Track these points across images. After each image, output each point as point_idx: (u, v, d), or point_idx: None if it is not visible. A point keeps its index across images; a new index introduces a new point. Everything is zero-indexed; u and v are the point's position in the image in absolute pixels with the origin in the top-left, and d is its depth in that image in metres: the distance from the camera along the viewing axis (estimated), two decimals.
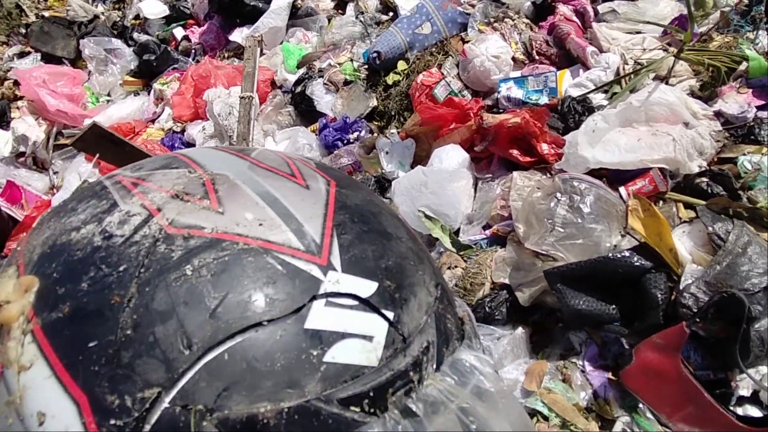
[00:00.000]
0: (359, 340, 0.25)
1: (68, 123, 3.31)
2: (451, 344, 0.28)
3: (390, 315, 0.26)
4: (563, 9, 1.91)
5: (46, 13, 4.25)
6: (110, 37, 3.68)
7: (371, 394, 0.23)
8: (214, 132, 2.67)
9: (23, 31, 4.18)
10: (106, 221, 0.26)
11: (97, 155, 2.13)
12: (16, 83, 3.66)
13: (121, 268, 0.24)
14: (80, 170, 3.16)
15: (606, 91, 1.61)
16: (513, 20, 2.05)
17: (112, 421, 0.22)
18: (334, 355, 0.24)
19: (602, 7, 1.84)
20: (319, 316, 0.24)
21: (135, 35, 3.73)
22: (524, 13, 2.07)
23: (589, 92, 1.60)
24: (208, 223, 0.26)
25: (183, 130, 2.92)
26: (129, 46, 3.63)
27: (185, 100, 2.94)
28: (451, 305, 0.31)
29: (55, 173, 3.34)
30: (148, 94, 3.32)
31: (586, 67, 1.73)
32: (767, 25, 1.56)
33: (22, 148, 3.28)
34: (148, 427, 0.22)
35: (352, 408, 0.23)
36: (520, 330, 1.39)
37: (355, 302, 0.26)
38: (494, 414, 0.26)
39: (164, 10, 3.74)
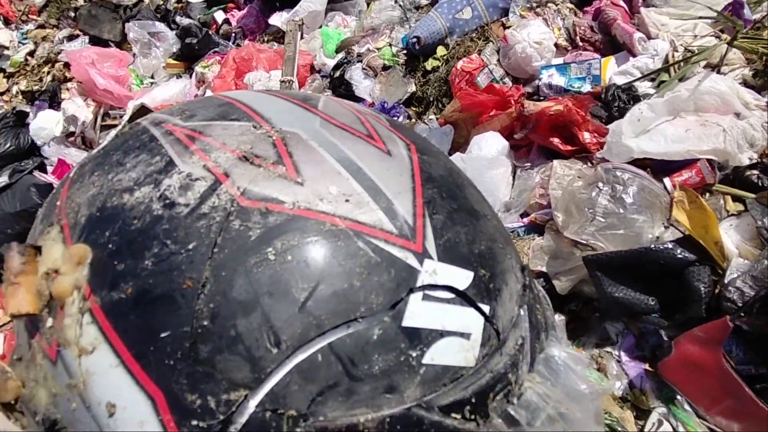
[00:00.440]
0: (457, 338, 0.22)
1: (114, 104, 3.42)
2: (541, 337, 0.27)
3: (486, 309, 0.23)
4: None
5: None
6: (154, 21, 3.77)
7: (473, 400, 0.20)
8: None
9: (72, 14, 4.33)
10: (165, 185, 0.23)
11: None
12: (66, 65, 3.80)
13: (190, 246, 0.21)
14: None
15: (653, 80, 1.57)
16: (556, 5, 2.01)
17: (194, 422, 0.19)
18: (433, 357, 0.21)
19: None
20: (417, 312, 0.22)
21: (177, 19, 3.81)
22: None
23: (635, 80, 1.56)
24: (287, 196, 0.22)
25: None
26: (171, 29, 3.71)
27: (226, 83, 3.00)
28: (535, 291, 0.29)
29: None
30: (190, 76, 3.40)
31: (633, 54, 1.68)
32: None
33: (71, 128, 3.42)
34: (234, 430, 0.19)
35: (453, 415, 0.20)
36: (557, 318, 1.39)
37: (452, 295, 0.22)
38: (586, 417, 0.24)
39: None
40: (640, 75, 1.57)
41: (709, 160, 1.28)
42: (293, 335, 0.20)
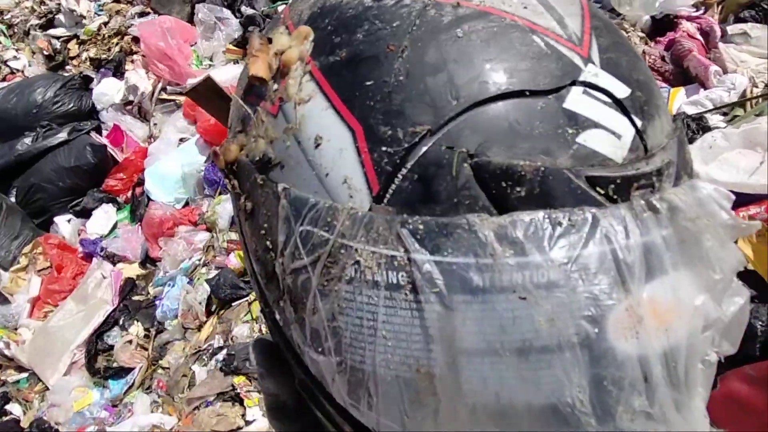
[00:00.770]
0: (609, 133, 0.25)
1: (173, 79, 3.53)
2: (689, 172, 0.28)
3: (638, 122, 0.26)
4: (687, 25, 1.83)
5: None
6: (221, 7, 3.90)
7: (618, 181, 0.24)
8: None
9: None
10: None
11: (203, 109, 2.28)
12: (134, 39, 3.96)
13: (394, 24, 0.27)
14: (177, 125, 3.38)
15: (725, 114, 1.52)
16: (627, 32, 1.99)
17: (383, 148, 0.25)
18: (585, 139, 0.25)
19: (731, 28, 1.74)
20: (577, 101, 0.25)
21: (243, 8, 3.93)
22: (640, 26, 2.00)
23: (707, 111, 1.52)
24: None
25: None
26: (236, 17, 3.83)
27: None
28: (684, 137, 0.31)
29: (154, 125, 3.59)
30: None
31: (705, 87, 1.64)
32: None
33: (131, 97, 3.55)
34: (414, 158, 0.24)
35: (598, 189, 0.24)
36: None
37: (609, 100, 0.26)
38: (722, 249, 0.25)
39: None
40: (712, 107, 1.53)
41: None
42: (470, 93, 0.25)
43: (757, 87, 1.50)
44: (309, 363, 0.28)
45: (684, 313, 0.25)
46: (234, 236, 2.63)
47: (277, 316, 0.29)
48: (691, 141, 1.43)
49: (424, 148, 0.24)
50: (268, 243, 0.28)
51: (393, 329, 0.24)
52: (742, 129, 1.29)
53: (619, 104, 0.26)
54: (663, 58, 1.83)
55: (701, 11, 1.89)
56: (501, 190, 0.24)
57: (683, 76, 1.77)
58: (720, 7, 1.87)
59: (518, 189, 0.24)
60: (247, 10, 3.89)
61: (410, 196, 0.24)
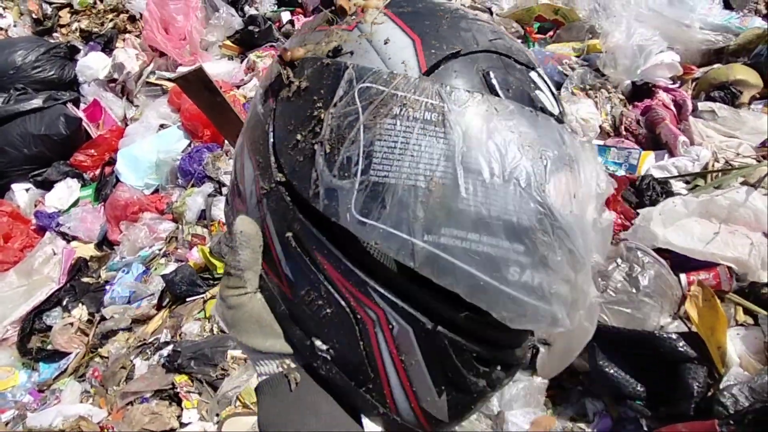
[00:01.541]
0: (548, 96, 0.40)
1: (167, 56, 3.48)
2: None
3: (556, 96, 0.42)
4: (663, 96, 1.94)
5: None
6: (225, 3, 3.90)
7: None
8: None
9: None
10: None
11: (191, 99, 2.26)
12: (131, 18, 3.91)
13: (441, 6, 0.39)
14: (160, 110, 3.32)
15: (688, 182, 1.61)
16: (609, 93, 2.08)
17: (432, 51, 0.35)
18: (539, 95, 0.39)
19: (702, 105, 1.85)
20: (537, 78, 0.40)
21: (246, 8, 3.95)
22: (622, 89, 2.10)
23: (672, 177, 1.60)
24: None
25: None
26: (239, 15, 3.84)
27: None
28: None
29: (136, 106, 3.52)
30: (241, 62, 3.49)
31: (672, 155, 1.73)
32: None
33: (116, 75, 3.48)
34: (450, 59, 0.36)
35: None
36: (538, 380, 1.37)
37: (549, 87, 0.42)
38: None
39: None
40: (677, 174, 1.61)
41: (729, 268, 1.29)
42: (483, 45, 0.38)
43: (718, 161, 1.59)
44: (322, 198, 0.35)
45: (589, 192, 0.39)
46: (199, 231, 2.58)
47: (296, 168, 0.37)
48: (655, 203, 1.50)
49: (456, 58, 0.36)
50: (318, 104, 0.36)
51: (420, 149, 0.33)
52: (700, 199, 1.37)
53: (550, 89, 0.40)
54: (638, 122, 1.93)
55: (677, 84, 2.00)
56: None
57: (654, 141, 1.86)
58: (694, 83, 1.99)
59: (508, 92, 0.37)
60: (250, 10, 3.91)
61: (445, 78, 0.35)
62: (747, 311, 1.25)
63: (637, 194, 1.58)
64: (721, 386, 1.11)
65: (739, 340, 1.17)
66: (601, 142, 1.87)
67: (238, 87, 3.32)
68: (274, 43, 3.50)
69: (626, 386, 1.23)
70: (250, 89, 3.23)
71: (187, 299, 2.17)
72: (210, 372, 1.70)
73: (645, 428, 1.20)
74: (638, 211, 1.46)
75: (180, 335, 1.97)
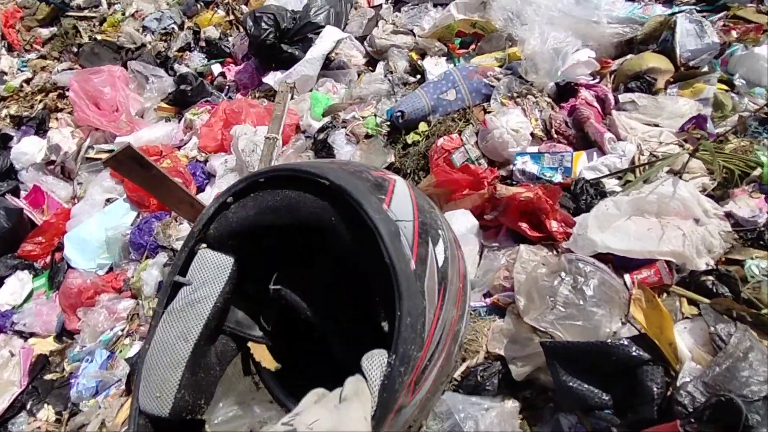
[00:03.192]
0: None
1: (102, 128, 3.43)
2: None
3: None
4: (585, 93, 1.98)
5: (99, 37, 4.51)
6: (153, 65, 3.87)
7: None
8: (235, 166, 2.74)
9: (75, 50, 4.44)
10: None
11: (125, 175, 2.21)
12: (60, 96, 3.84)
13: None
14: (103, 184, 3.25)
15: (620, 178, 1.64)
16: (535, 98, 2.12)
17: None
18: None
19: (623, 97, 1.89)
20: None
21: (176, 66, 3.92)
22: (547, 92, 2.14)
23: (603, 177, 1.63)
24: None
25: (206, 160, 3.01)
26: (169, 75, 3.81)
27: (213, 131, 3.05)
28: None
29: (79, 184, 3.44)
30: (179, 121, 3.45)
31: (602, 152, 1.76)
32: None
33: (53, 157, 3.40)
34: None
35: None
36: (509, 403, 1.36)
37: None
38: None
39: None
40: (608, 172, 1.64)
41: (667, 262, 1.31)
42: None
43: (643, 154, 1.63)
44: None
45: None
46: None
47: None
48: (591, 206, 1.52)
49: None
50: None
51: None
52: (631, 197, 1.39)
53: None
54: (567, 123, 1.96)
55: (598, 80, 2.05)
56: None
57: (585, 140, 1.89)
58: (613, 76, 2.04)
59: None
60: (180, 68, 3.88)
61: None
62: (691, 302, 1.27)
63: (573, 199, 1.60)
64: (677, 384, 1.11)
65: (687, 334, 1.18)
66: (535, 149, 1.89)
67: (178, 148, 3.28)
68: (208, 98, 3.48)
69: (591, 398, 1.22)
70: (191, 148, 3.19)
71: None
72: None
73: None
74: (575, 219, 1.47)
75: None
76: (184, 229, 2.60)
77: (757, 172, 1.51)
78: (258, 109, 2.98)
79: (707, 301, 1.22)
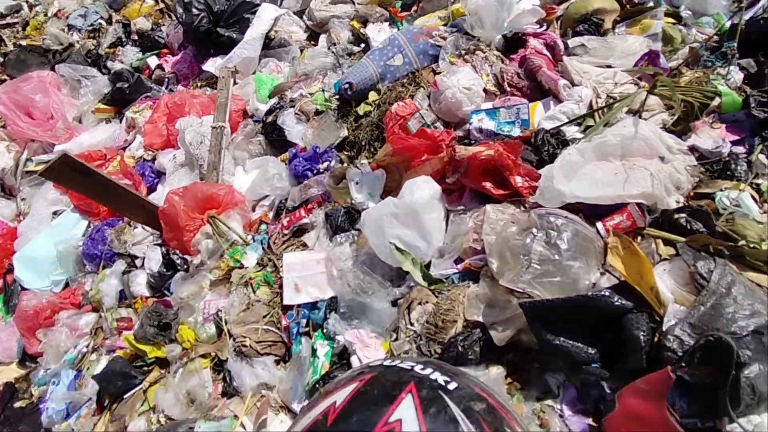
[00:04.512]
0: None
1: (39, 139, 3.21)
2: None
3: None
4: (534, 42, 1.90)
5: (23, 42, 4.21)
6: (84, 65, 3.62)
7: None
8: (184, 161, 2.59)
9: (0, 59, 4.13)
10: None
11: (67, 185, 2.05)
12: None
13: None
14: (48, 197, 3.05)
15: (579, 124, 1.58)
16: (484, 53, 2.03)
17: None
18: None
19: (572, 42, 1.83)
20: None
21: (109, 63, 3.68)
22: (495, 46, 2.06)
23: (562, 125, 1.57)
24: None
25: (154, 159, 2.84)
26: (103, 74, 3.57)
27: (157, 128, 2.87)
28: None
29: (22, 200, 3.23)
30: (120, 121, 3.25)
31: (559, 100, 1.70)
32: (739, 61, 1.55)
33: None
34: None
35: None
36: (494, 370, 1.31)
37: None
38: None
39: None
40: (566, 120, 1.58)
41: (638, 204, 1.26)
42: None
43: (600, 97, 1.57)
44: None
45: None
46: (124, 313, 2.38)
47: None
48: (554, 157, 1.46)
49: None
50: None
51: None
52: (594, 142, 1.33)
53: None
54: (519, 75, 1.89)
55: (544, 27, 1.98)
56: None
57: (539, 89, 1.83)
58: (559, 22, 1.97)
59: None
60: (114, 65, 3.64)
61: None
62: (667, 243, 1.23)
63: (535, 152, 1.53)
64: (664, 329, 1.07)
65: (667, 276, 1.15)
66: (490, 105, 1.82)
67: (123, 149, 3.09)
68: (148, 94, 3.27)
69: (578, 353, 1.18)
70: (137, 148, 3.01)
71: (126, 395, 1.99)
72: None
73: (608, 390, 1.16)
74: (540, 171, 1.41)
75: None
76: (139, 233, 2.46)
77: (716, 102, 1.47)
78: (201, 98, 2.82)
79: (683, 239, 1.18)
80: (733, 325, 1.00)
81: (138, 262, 2.41)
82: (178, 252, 2.16)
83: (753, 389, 0.99)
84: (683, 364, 1.02)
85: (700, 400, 1.05)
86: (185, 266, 2.13)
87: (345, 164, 1.94)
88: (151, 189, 2.72)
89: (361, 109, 2.01)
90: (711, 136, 1.36)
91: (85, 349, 2.38)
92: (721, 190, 1.25)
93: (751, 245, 1.09)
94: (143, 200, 2.26)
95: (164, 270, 2.16)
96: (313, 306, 1.63)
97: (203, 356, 1.81)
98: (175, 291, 2.05)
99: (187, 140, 2.52)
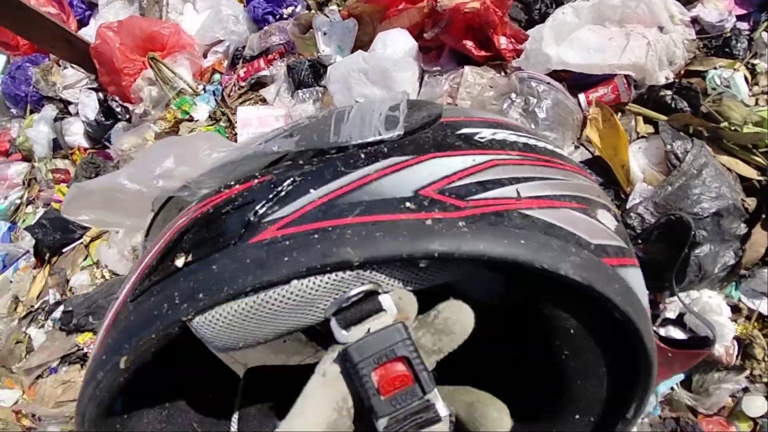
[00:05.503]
0: None
1: None
2: None
3: None
4: None
5: None
6: None
7: None
8: None
9: None
10: None
11: None
12: None
13: None
14: None
15: None
16: None
17: None
18: None
19: None
20: None
21: None
22: None
23: None
24: None
25: None
26: None
27: None
28: None
29: None
30: None
31: None
32: None
33: None
34: None
35: None
36: None
37: None
38: None
39: None
40: None
41: (626, 77, 1.17)
42: None
43: None
44: None
45: None
46: (60, 164, 2.20)
47: None
48: (545, 17, 1.32)
49: None
50: None
51: None
52: (591, 2, 1.20)
53: None
54: None
55: None
56: None
57: None
58: None
59: None
60: None
61: None
62: (647, 121, 1.17)
63: (525, 10, 1.38)
64: (627, 206, 1.06)
65: (642, 154, 1.11)
66: None
67: None
68: None
69: None
70: None
71: (65, 249, 1.90)
72: None
73: None
74: (528, 32, 1.27)
75: (70, 291, 1.75)
76: (69, 74, 2.18)
77: None
78: None
79: (664, 118, 1.12)
80: (697, 206, 1.00)
81: (72, 109, 2.18)
82: (117, 99, 1.94)
83: (699, 267, 1.01)
84: (639, 241, 1.03)
85: (645, 275, 1.08)
86: (127, 116, 1.93)
87: (312, 11, 1.71)
88: (83, 23, 2.38)
89: None
90: (717, 7, 1.24)
91: (18, 201, 2.23)
92: (715, 68, 1.17)
93: (733, 128, 1.05)
94: (70, 34, 1.96)
95: (103, 119, 1.96)
96: None
97: None
98: (116, 142, 1.88)
99: None
